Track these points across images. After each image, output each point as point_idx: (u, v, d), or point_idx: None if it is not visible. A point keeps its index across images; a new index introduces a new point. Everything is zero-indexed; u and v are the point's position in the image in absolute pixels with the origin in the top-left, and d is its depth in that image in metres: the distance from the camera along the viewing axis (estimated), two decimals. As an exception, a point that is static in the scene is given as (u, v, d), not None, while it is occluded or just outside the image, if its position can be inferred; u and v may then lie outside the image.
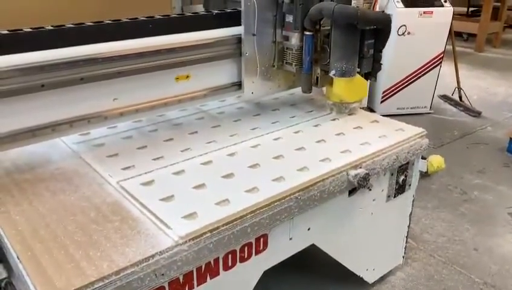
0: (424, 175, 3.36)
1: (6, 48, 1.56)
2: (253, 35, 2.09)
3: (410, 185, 2.23)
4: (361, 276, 2.22)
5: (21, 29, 1.62)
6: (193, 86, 2.08)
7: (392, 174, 2.09)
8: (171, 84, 2.01)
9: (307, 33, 2.10)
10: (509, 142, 3.99)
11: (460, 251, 2.71)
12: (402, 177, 2.15)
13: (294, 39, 2.15)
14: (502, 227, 2.96)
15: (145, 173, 1.72)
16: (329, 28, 2.12)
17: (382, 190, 2.09)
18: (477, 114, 4.87)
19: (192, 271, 1.43)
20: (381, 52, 2.21)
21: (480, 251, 2.72)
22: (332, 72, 2.13)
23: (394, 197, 2.16)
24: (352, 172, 1.80)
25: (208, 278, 1.50)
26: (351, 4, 2.03)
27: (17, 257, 1.28)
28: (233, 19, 2.10)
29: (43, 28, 1.67)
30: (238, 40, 2.11)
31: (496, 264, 2.60)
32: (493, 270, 2.56)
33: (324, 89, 2.37)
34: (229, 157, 1.88)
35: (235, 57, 2.16)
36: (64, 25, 1.71)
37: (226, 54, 2.12)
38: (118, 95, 1.86)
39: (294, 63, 2.20)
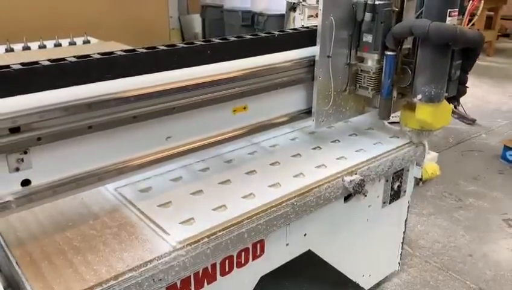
0: (419, 182, 3.38)
1: (47, 82, 1.30)
2: (328, 57, 1.87)
3: (405, 191, 2.25)
4: (357, 282, 2.23)
5: (64, 59, 1.35)
6: (258, 116, 1.87)
7: (387, 181, 2.11)
8: (229, 117, 1.77)
9: (389, 53, 1.87)
10: (504, 149, 4.03)
11: (456, 257, 2.73)
12: (397, 184, 2.17)
13: (372, 61, 1.93)
14: (496, 233, 2.98)
15: (143, 179, 1.73)
16: (409, 47, 1.93)
17: (377, 196, 2.11)
18: (471, 122, 4.92)
19: (189, 276, 1.45)
20: (467, 73, 2.02)
21: (475, 257, 2.74)
22: (418, 97, 1.86)
23: (389, 203, 2.18)
24: (348, 178, 1.82)
25: (205, 283, 1.51)
26: (445, 21, 1.77)
27: (16, 263, 1.30)
28: (299, 40, 1.90)
29: (90, 56, 1.40)
30: (310, 63, 1.90)
31: (491, 270, 2.62)
32: (488, 276, 2.58)
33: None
34: (226, 164, 1.90)
35: (303, 82, 1.95)
36: (113, 53, 1.45)
37: (296, 78, 1.90)
38: (171, 133, 1.61)
39: (370, 88, 1.96)
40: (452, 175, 3.71)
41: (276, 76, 1.82)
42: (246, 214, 1.53)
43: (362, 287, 2.29)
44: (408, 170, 2.20)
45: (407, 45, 1.94)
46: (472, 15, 1.93)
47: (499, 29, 8.32)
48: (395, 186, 2.17)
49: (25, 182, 1.33)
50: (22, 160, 1.30)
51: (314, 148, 2.06)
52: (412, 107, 1.97)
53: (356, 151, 2.03)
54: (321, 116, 1.97)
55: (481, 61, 7.70)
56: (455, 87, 1.99)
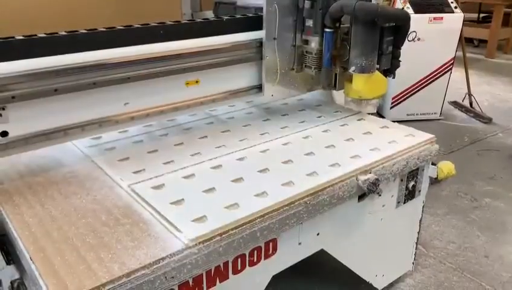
0: (434, 181, 3.33)
1: (21, 53, 1.61)
2: (274, 39, 2.14)
3: (420, 191, 2.22)
4: (370, 282, 2.21)
5: (35, 35, 1.66)
6: (210, 89, 2.12)
7: (401, 180, 2.08)
8: (182, 89, 2.03)
9: (328, 30, 2.14)
10: (521, 148, 3.97)
11: (471, 258, 2.69)
12: (412, 183, 2.14)
13: (314, 43, 2.21)
14: (513, 234, 2.93)
15: (156, 176, 1.74)
16: (348, 25, 2.15)
17: (392, 196, 2.08)
18: (487, 120, 4.84)
19: (201, 274, 1.44)
20: (399, 49, 2.24)
21: (491, 258, 2.69)
22: (352, 68, 2.15)
23: (404, 203, 2.15)
24: (362, 177, 1.80)
25: (218, 281, 1.50)
26: (371, 1, 2.07)
27: (30, 258, 1.30)
28: (247, 24, 2.17)
29: (56, 33, 1.71)
30: (259, 44, 2.16)
31: (507, 271, 2.58)
32: (504, 278, 2.53)
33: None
34: (239, 161, 1.89)
35: (255, 61, 2.21)
36: (77, 31, 1.75)
37: (247, 57, 2.17)
38: (129, 99, 1.90)
39: (313, 67, 2.24)
40: (468, 175, 3.65)
41: (223, 55, 2.07)
42: (259, 213, 1.52)
43: (375, 287, 2.27)
44: (423, 170, 2.17)
45: (347, 24, 2.17)
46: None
47: (517, 26, 8.16)
48: (410, 186, 2.14)
49: (3, 134, 1.63)
50: (1, 115, 1.60)
51: (327, 147, 2.04)
52: (351, 79, 2.23)
53: (371, 150, 2.00)
54: (270, 90, 2.25)
55: (498, 59, 7.58)
56: (388, 61, 2.23)
